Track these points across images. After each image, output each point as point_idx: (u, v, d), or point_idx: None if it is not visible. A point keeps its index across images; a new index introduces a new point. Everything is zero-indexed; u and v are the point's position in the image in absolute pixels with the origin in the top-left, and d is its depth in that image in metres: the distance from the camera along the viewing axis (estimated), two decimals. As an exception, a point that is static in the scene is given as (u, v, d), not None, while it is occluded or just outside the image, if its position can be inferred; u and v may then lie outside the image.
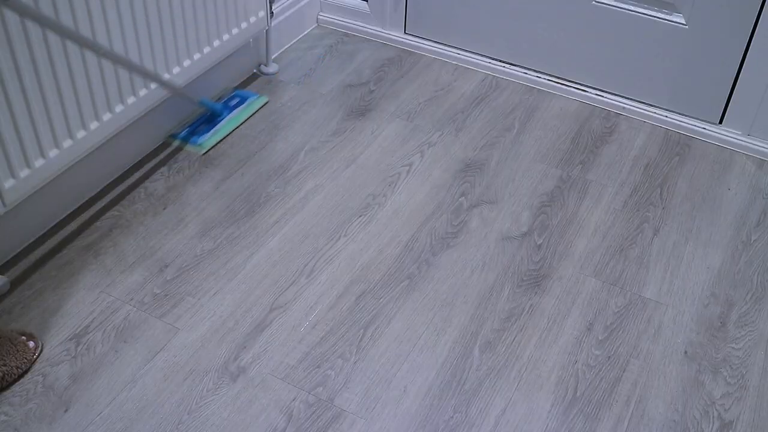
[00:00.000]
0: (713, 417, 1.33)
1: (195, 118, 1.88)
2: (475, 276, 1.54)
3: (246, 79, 2.03)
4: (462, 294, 1.51)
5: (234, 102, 1.92)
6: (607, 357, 1.41)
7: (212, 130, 1.83)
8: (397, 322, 1.45)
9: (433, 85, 2.06)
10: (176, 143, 1.81)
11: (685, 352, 1.43)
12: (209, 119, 1.87)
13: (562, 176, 1.79)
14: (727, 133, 1.91)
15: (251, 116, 1.91)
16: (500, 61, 2.12)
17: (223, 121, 1.86)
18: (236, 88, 2.01)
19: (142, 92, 1.60)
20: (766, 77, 1.81)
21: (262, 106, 1.94)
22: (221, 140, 1.83)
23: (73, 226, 1.59)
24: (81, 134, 1.49)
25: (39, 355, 1.35)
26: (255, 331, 1.42)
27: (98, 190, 1.67)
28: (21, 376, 1.31)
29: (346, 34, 2.25)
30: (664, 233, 1.67)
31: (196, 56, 1.72)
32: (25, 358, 1.32)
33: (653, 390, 1.36)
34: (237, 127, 1.87)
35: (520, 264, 1.57)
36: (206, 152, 1.79)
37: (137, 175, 1.72)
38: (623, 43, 1.93)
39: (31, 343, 1.35)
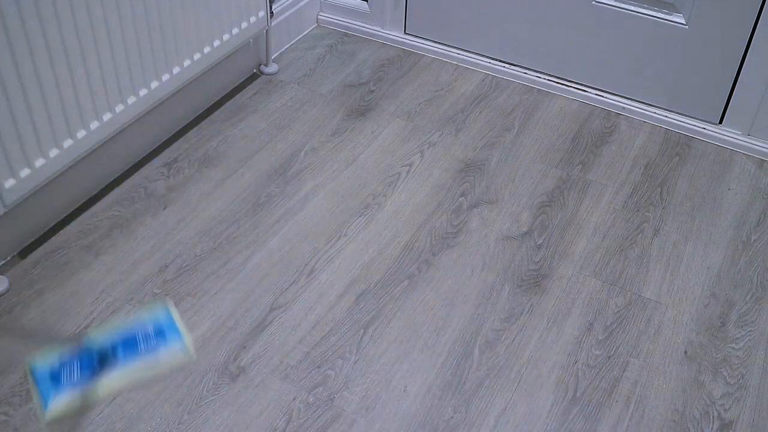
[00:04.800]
0: (713, 417, 1.33)
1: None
2: (475, 276, 1.54)
3: (246, 79, 2.03)
4: (462, 294, 1.51)
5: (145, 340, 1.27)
6: (607, 357, 1.41)
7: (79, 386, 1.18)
8: (397, 322, 1.45)
9: (433, 85, 2.06)
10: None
11: (685, 352, 1.43)
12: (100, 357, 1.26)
13: (562, 176, 1.79)
14: (727, 133, 1.91)
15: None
16: (500, 61, 2.12)
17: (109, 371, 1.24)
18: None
19: (143, 92, 1.60)
20: (766, 77, 1.81)
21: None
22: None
23: (73, 226, 1.59)
24: (81, 134, 1.49)
25: None
26: (255, 331, 1.42)
27: (98, 190, 1.67)
28: None
29: (346, 34, 2.25)
30: (664, 233, 1.67)
31: (196, 56, 1.72)
32: None
33: (653, 390, 1.36)
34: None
35: (520, 264, 1.57)
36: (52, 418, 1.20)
37: (137, 175, 1.72)
38: (623, 43, 1.93)
39: None
